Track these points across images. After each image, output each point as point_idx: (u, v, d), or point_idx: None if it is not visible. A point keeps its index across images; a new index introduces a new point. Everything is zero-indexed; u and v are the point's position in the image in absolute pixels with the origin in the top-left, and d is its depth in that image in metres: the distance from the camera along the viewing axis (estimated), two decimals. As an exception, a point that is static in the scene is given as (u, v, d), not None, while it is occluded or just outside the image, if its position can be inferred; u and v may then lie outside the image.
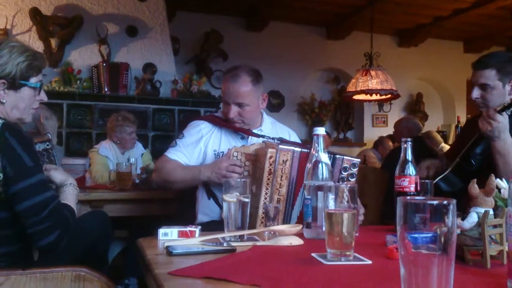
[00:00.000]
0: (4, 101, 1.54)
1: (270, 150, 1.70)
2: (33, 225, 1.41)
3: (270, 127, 2.18)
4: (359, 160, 1.79)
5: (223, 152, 2.06)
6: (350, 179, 1.75)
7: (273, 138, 1.97)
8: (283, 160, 1.68)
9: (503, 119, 1.88)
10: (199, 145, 2.08)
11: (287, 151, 1.69)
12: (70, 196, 1.62)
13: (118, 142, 3.64)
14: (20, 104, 1.59)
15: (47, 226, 1.41)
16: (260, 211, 1.67)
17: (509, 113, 1.88)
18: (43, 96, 1.67)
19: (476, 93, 2.07)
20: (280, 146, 1.71)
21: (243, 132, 2.09)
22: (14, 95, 1.56)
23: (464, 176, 2.05)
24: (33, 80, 1.60)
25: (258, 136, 2.07)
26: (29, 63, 1.56)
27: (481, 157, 2.01)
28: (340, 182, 1.72)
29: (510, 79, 2.05)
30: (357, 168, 1.76)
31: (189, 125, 2.18)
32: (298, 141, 2.25)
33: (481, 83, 2.05)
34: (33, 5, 4.87)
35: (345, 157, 1.76)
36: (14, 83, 1.54)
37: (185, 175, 2.00)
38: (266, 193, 1.68)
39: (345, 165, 1.75)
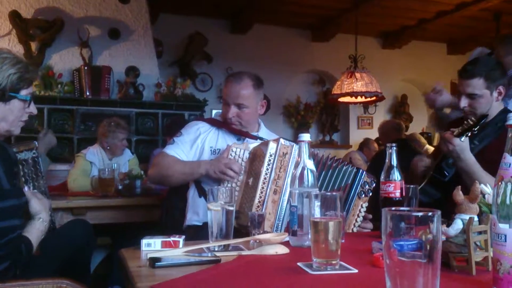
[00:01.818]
0: None
1: (271, 143, 1.74)
2: None
3: (267, 135, 2.20)
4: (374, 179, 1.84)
5: (219, 149, 2.10)
6: (367, 194, 1.83)
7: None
8: (283, 153, 1.71)
9: (460, 142, 1.89)
10: (197, 142, 2.12)
11: (288, 145, 1.73)
12: (34, 230, 1.53)
13: (108, 147, 3.58)
14: (9, 117, 1.55)
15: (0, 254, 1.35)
16: (256, 200, 1.68)
17: (469, 135, 1.89)
18: (33, 109, 1.64)
19: (464, 102, 2.08)
20: (281, 139, 1.74)
21: (240, 133, 2.14)
22: (3, 107, 1.53)
23: (441, 186, 2.07)
24: (24, 93, 1.57)
25: (255, 138, 2.11)
26: (20, 75, 1.53)
27: (454, 167, 2.03)
28: (359, 196, 1.82)
29: (497, 86, 2.06)
30: (374, 186, 1.83)
31: (187, 125, 2.24)
32: None
33: (469, 92, 2.06)
34: (12, 8, 4.78)
35: (366, 173, 1.84)
36: (3, 95, 1.52)
37: (184, 168, 2.03)
38: (264, 183, 1.70)
39: (365, 181, 1.82)
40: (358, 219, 1.83)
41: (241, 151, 1.88)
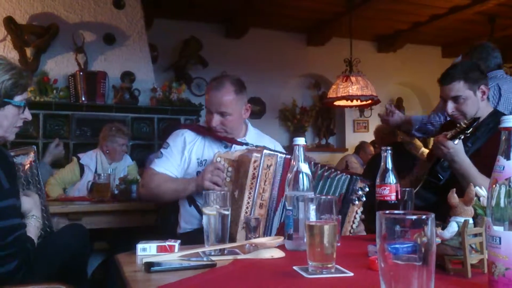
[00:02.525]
0: None
1: (254, 154, 1.71)
2: None
3: (255, 137, 2.18)
4: (369, 182, 1.85)
5: (206, 160, 2.06)
6: (361, 199, 1.85)
7: (256, 146, 1.97)
8: (267, 165, 1.69)
9: (453, 145, 1.90)
10: (184, 154, 2.08)
11: (272, 156, 1.70)
12: (32, 228, 1.56)
13: (107, 151, 3.60)
14: (3, 123, 1.56)
15: (9, 253, 1.36)
16: (242, 215, 1.66)
17: (462, 138, 1.90)
18: (27, 115, 1.65)
19: (450, 106, 2.10)
20: (265, 151, 1.71)
21: (226, 140, 2.10)
22: None
23: (436, 189, 2.08)
24: (18, 99, 1.57)
25: (241, 144, 2.08)
26: (14, 81, 1.53)
27: (449, 170, 2.04)
28: (353, 202, 1.84)
29: (479, 86, 2.08)
30: (367, 190, 1.85)
31: (173, 134, 2.18)
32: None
33: (452, 96, 2.09)
34: (7, 14, 4.76)
35: (360, 178, 1.86)
36: None
37: (176, 186, 2.01)
38: (249, 197, 1.68)
39: (359, 186, 1.84)
40: (354, 225, 1.84)
41: (225, 162, 1.86)
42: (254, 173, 1.68)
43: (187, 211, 2.04)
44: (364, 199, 1.85)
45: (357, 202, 1.83)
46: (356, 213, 1.84)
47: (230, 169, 1.85)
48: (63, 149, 3.06)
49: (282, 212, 1.69)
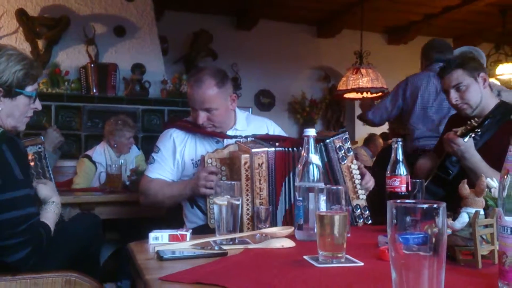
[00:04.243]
0: None
1: (243, 156, 1.65)
2: (6, 238, 1.37)
3: (245, 123, 2.12)
4: (346, 132, 1.78)
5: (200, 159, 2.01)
6: (348, 154, 1.74)
7: (246, 137, 1.94)
8: (258, 164, 1.64)
9: (463, 142, 1.90)
10: (176, 158, 2.04)
11: (261, 153, 1.65)
12: (50, 214, 1.58)
13: (115, 145, 3.60)
14: (15, 112, 1.58)
15: (20, 241, 1.37)
16: (245, 218, 1.64)
17: (472, 135, 1.90)
18: (38, 105, 1.67)
19: (454, 96, 2.10)
20: (253, 150, 1.65)
21: (216, 135, 2.04)
22: (9, 103, 1.56)
23: (445, 184, 2.08)
24: (29, 89, 1.60)
25: (231, 137, 2.02)
26: (26, 72, 1.55)
27: (458, 164, 2.03)
28: (341, 162, 1.72)
29: (478, 73, 2.09)
30: (349, 142, 1.75)
31: (161, 135, 2.12)
32: (278, 130, 2.18)
33: (454, 84, 2.09)
34: (19, 6, 4.80)
35: (333, 138, 1.74)
36: (10, 91, 1.54)
37: (172, 192, 1.97)
38: (247, 199, 1.65)
39: (338, 145, 1.73)
40: (357, 181, 1.74)
41: (217, 161, 1.82)
42: (247, 175, 1.65)
43: (190, 211, 2.02)
44: (351, 152, 1.75)
45: (345, 159, 1.73)
46: (351, 168, 1.74)
47: (223, 168, 1.81)
48: (57, 133, 3.02)
49: (284, 205, 1.68)
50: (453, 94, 2.10)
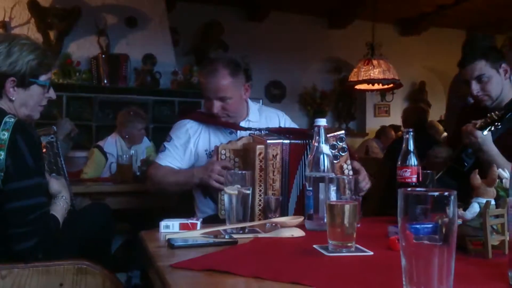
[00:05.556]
0: (13, 98, 1.53)
1: (258, 146, 1.66)
2: (15, 227, 1.38)
3: (258, 115, 2.13)
4: (343, 131, 1.76)
5: None
6: (342, 153, 1.72)
7: (260, 130, 1.94)
8: (273, 155, 1.64)
9: (481, 135, 1.88)
10: (189, 147, 2.04)
11: (276, 145, 1.66)
12: (59, 208, 1.59)
13: (127, 136, 3.62)
14: (29, 102, 1.58)
15: (28, 230, 1.38)
16: (256, 209, 1.65)
17: (492, 129, 1.88)
18: (52, 94, 1.67)
19: (475, 87, 2.07)
20: (268, 141, 1.66)
21: (230, 127, 2.04)
22: (23, 92, 1.56)
23: (458, 175, 2.06)
24: (43, 78, 1.59)
25: (245, 129, 2.02)
26: (39, 61, 1.55)
27: (474, 156, 2.02)
28: (335, 160, 1.67)
29: (500, 64, 2.05)
30: (344, 141, 1.73)
31: (175, 125, 2.13)
32: (289, 122, 2.19)
33: (476, 75, 2.05)
34: (31, -4, 4.84)
35: (328, 135, 1.69)
36: (23, 81, 1.54)
37: (178, 179, 1.97)
38: (260, 190, 1.65)
39: (332, 143, 1.70)
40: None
41: (231, 153, 1.81)
42: (261, 166, 1.65)
43: (202, 201, 2.02)
44: (346, 152, 1.73)
45: (339, 157, 1.71)
46: (343, 168, 1.72)
47: (236, 159, 1.81)
48: (68, 122, 3.03)
49: (297, 197, 1.68)
50: (475, 86, 2.07)
